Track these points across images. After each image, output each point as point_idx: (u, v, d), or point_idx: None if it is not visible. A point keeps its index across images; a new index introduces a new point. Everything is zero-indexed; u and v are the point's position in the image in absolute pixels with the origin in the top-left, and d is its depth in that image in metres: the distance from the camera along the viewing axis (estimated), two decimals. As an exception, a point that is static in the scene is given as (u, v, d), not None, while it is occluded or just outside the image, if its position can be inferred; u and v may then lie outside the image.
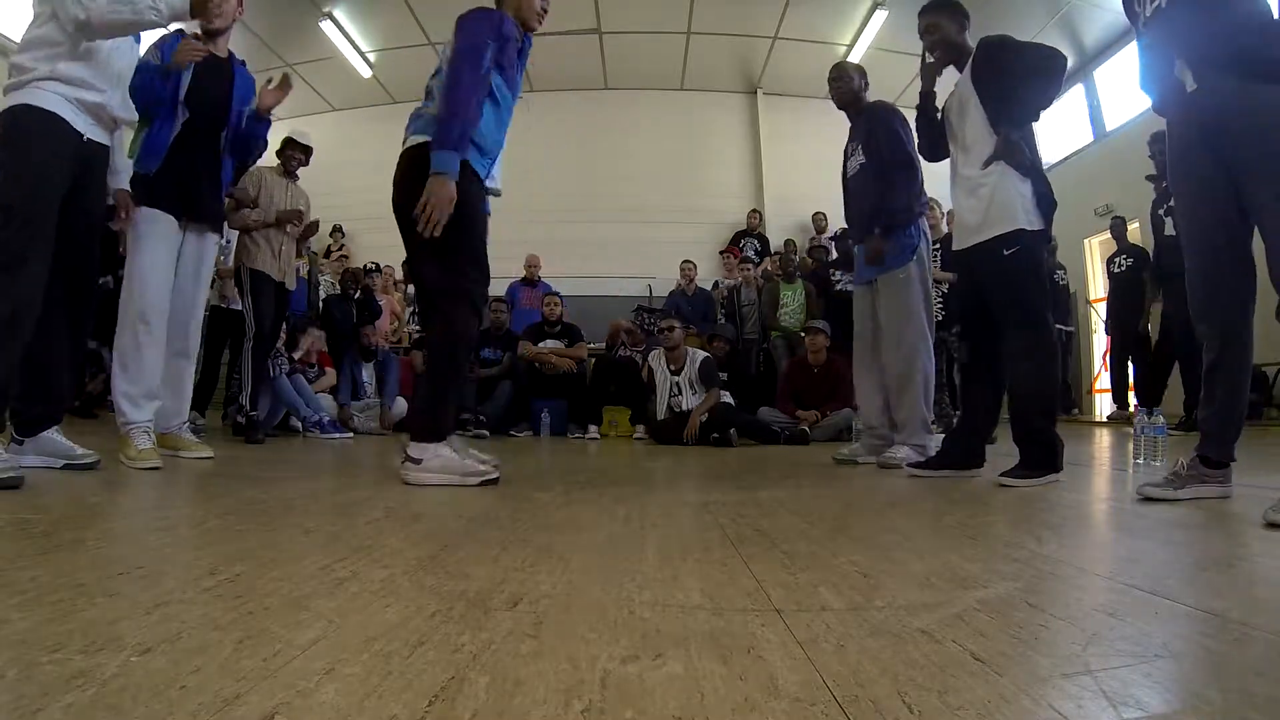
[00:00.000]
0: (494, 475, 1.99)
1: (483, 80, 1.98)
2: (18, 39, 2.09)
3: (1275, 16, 1.65)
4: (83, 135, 2.04)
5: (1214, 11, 1.66)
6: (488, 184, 2.12)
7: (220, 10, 2.44)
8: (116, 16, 1.98)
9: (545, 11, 2.17)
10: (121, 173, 2.33)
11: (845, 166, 3.13)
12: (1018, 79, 2.16)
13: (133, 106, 2.25)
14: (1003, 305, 2.21)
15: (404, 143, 2.06)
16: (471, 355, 2.10)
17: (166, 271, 2.53)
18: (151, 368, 2.47)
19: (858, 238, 3.09)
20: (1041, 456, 2.09)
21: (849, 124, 3.13)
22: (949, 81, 2.44)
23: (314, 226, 4.05)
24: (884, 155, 2.87)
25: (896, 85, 7.85)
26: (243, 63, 2.77)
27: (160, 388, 2.56)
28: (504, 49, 2.04)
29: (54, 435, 2.06)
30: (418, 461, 1.92)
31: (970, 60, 2.31)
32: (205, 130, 2.59)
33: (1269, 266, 1.59)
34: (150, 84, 2.37)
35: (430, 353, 2.14)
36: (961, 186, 2.33)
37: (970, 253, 2.28)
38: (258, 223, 3.71)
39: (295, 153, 3.98)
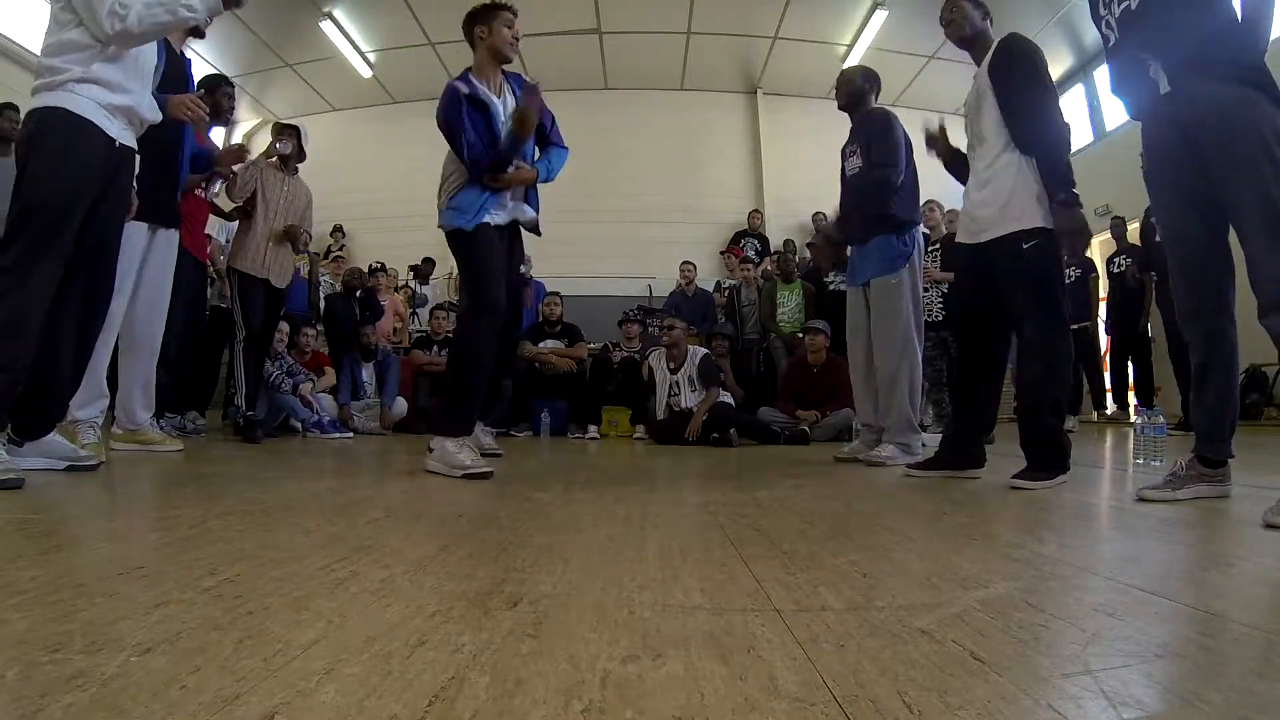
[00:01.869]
0: (478, 470, 2.11)
1: (477, 152, 2.38)
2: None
3: (1241, 17, 1.63)
4: (115, 141, 1.97)
5: (1185, 12, 1.64)
6: (523, 217, 2.66)
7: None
8: (155, 20, 1.90)
9: (517, 39, 2.51)
10: None
11: (844, 166, 3.17)
12: (1029, 92, 2.12)
13: (157, 107, 2.15)
14: (1020, 302, 2.13)
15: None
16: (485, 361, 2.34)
17: (125, 284, 2.49)
18: (98, 372, 2.46)
19: (856, 238, 3.09)
20: (1053, 457, 2.06)
21: (850, 125, 3.17)
22: (968, 74, 2.37)
23: (295, 230, 3.81)
24: (874, 158, 2.93)
25: (897, 85, 7.85)
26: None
27: (133, 390, 2.72)
28: (466, 112, 2.35)
29: (54, 436, 2.04)
30: (430, 451, 2.26)
31: (991, 52, 2.24)
32: (159, 130, 2.36)
33: (1249, 270, 1.58)
34: None
35: (452, 358, 2.50)
36: (975, 179, 2.28)
37: (985, 247, 2.20)
38: (240, 175, 3.62)
39: (278, 138, 3.82)
